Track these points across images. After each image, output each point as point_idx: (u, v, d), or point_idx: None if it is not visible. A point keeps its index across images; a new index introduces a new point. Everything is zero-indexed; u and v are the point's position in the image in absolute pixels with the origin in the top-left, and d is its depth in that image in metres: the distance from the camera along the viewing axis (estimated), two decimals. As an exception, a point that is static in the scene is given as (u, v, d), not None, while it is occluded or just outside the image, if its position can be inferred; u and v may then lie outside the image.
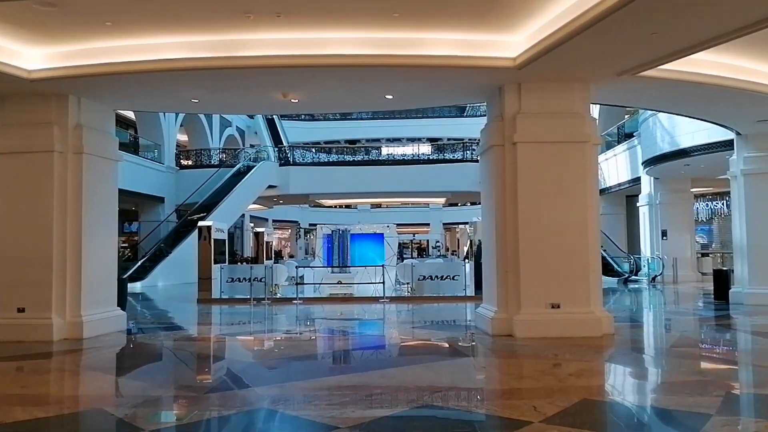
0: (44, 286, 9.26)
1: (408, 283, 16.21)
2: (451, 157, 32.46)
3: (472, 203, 51.91)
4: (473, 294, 15.49)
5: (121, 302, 11.03)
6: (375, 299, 15.43)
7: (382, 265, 16.04)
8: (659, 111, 15.88)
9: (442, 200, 39.06)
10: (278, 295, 16.30)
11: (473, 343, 9.10)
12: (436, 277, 15.88)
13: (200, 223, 16.92)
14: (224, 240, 16.95)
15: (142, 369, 7.76)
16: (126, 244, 34.49)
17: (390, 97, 10.20)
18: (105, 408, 5.32)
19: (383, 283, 15.48)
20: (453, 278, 15.74)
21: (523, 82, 9.11)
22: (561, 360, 7.45)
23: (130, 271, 23.70)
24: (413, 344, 9.38)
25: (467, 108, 52.51)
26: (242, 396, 5.86)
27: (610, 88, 9.67)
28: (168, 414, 5.39)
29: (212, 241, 16.16)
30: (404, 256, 32.00)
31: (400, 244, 24.22)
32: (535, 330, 8.86)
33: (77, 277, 9.42)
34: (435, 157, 32.94)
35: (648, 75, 8.79)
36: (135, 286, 22.55)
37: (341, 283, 16.77)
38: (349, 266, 17.33)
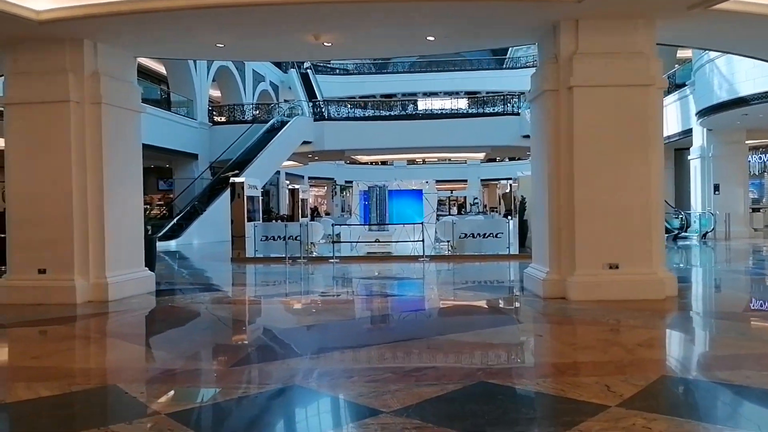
0: (65, 246, 8.76)
1: (448, 241, 15.48)
2: (491, 110, 31.20)
3: (511, 158, 50.70)
4: (517, 252, 14.72)
5: (150, 262, 10.54)
6: (414, 258, 14.77)
7: (422, 223, 15.31)
8: (727, 52, 14.65)
9: (481, 155, 37.84)
10: (314, 254, 15.74)
11: (525, 307, 8.32)
12: (478, 234, 15.11)
13: (232, 180, 16.32)
14: (258, 197, 16.34)
15: (167, 336, 7.21)
16: (162, 202, 34.45)
17: (432, 38, 9.28)
18: (119, 384, 4.72)
19: (423, 241, 14.78)
20: (496, 236, 14.95)
21: (582, 18, 8.11)
22: (624, 326, 6.68)
23: (165, 229, 23.50)
24: (459, 307, 8.68)
25: (506, 60, 50.93)
26: (272, 370, 5.21)
27: (678, 26, 8.64)
28: (187, 392, 4.77)
29: (245, 198, 15.56)
30: (440, 213, 31.17)
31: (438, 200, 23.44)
32: (591, 292, 8.06)
33: (100, 235, 8.89)
34: (474, 110, 31.68)
35: (721, 8, 7.75)
36: (170, 245, 22.37)
37: (379, 242, 16.09)
38: (387, 224, 16.58)
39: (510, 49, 51.07)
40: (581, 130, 8.11)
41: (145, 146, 25.54)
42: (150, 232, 23.60)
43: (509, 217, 17.65)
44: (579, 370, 5.09)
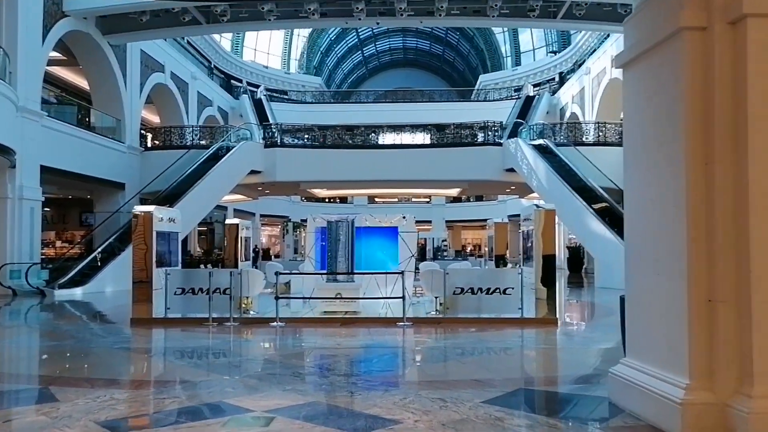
0: None
1: (437, 297, 11.27)
2: (468, 140, 27.32)
3: (479, 198, 47.17)
4: (534, 315, 10.60)
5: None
6: (391, 321, 10.50)
7: (401, 273, 11.06)
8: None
9: (453, 192, 34.00)
10: (251, 314, 11.31)
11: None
12: (479, 289, 10.91)
13: (136, 209, 11.86)
14: (175, 233, 11.90)
15: None
16: (81, 240, 29.47)
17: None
18: None
19: (403, 298, 10.54)
20: (504, 292, 10.77)
21: None
22: None
23: (72, 274, 18.82)
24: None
25: (475, 92, 48.05)
26: None
27: None
28: None
29: (154, 234, 11.10)
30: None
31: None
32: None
33: None
34: (449, 140, 27.83)
35: None
36: (74, 293, 17.66)
37: (341, 297, 11.73)
38: (354, 272, 12.22)
39: (479, 81, 48.22)
40: (763, 103, 4.06)
41: (61, 173, 21.14)
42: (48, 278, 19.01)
43: (518, 266, 13.56)
44: None
